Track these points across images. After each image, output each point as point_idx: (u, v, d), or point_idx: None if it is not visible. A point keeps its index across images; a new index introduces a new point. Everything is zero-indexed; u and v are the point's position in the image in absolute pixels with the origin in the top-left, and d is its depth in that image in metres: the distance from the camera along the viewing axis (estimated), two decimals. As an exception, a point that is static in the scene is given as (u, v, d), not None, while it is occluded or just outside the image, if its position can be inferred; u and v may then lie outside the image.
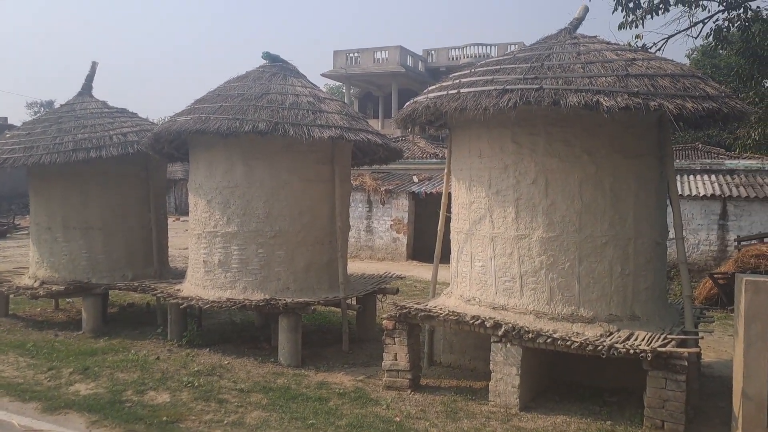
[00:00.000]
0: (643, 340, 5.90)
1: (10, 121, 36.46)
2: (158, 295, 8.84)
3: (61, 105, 10.89)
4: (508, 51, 7.87)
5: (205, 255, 8.51)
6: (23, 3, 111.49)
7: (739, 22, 12.52)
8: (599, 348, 5.76)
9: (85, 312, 9.48)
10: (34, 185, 10.29)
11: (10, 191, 33.04)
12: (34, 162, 9.32)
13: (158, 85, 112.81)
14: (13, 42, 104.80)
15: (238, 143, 8.17)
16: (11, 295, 10.29)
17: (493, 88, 6.20)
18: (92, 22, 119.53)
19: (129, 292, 10.64)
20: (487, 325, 6.33)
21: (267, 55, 9.25)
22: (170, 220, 15.42)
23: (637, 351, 5.61)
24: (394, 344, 6.90)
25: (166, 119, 9.01)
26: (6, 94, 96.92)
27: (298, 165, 8.38)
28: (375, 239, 20.08)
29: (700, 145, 26.47)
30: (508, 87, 6.10)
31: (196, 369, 7.49)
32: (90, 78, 11.06)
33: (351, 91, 42.55)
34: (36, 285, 9.81)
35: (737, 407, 5.51)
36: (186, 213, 9.40)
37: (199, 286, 8.59)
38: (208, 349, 8.36)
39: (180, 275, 9.97)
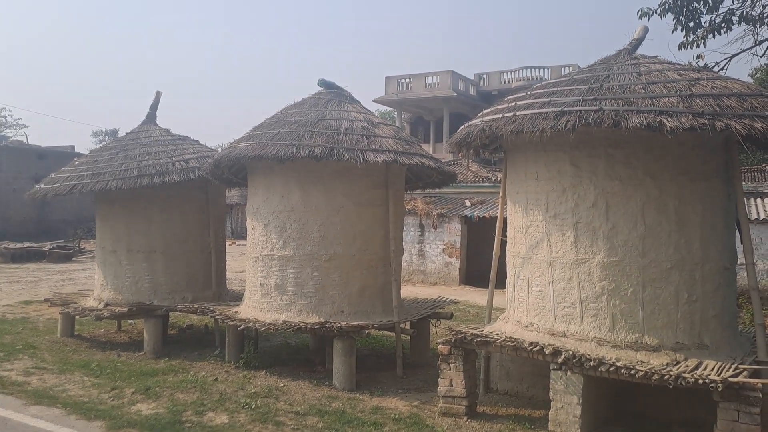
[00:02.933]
0: (712, 369, 5.63)
1: (77, 149, 38.36)
2: (217, 317, 9.01)
3: (127, 133, 11.37)
4: (563, 73, 7.81)
5: (261, 278, 8.65)
6: (90, 37, 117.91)
7: (806, 38, 12.06)
8: (665, 377, 5.52)
9: (146, 333, 9.74)
10: (100, 210, 10.72)
11: (76, 216, 34.62)
12: (101, 188, 9.72)
13: (215, 111, 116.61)
14: (80, 72, 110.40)
15: (294, 168, 8.32)
16: (77, 317, 10.66)
17: (550, 110, 6.13)
18: (151, 50, 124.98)
19: (188, 314, 10.91)
20: (546, 352, 6.17)
21: (323, 82, 9.45)
22: (227, 244, 15.81)
23: (707, 381, 5.34)
24: (450, 370, 6.80)
25: (224, 145, 9.26)
26: (73, 123, 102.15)
27: (353, 189, 8.47)
28: (427, 263, 20.00)
29: None
30: (566, 109, 6.02)
31: (253, 391, 7.57)
32: (154, 107, 11.53)
33: (402, 116, 42.89)
34: (100, 307, 10.16)
35: (819, 444, 5.18)
36: (242, 237, 9.64)
37: (255, 308, 8.71)
38: (264, 371, 8.44)
39: (236, 298, 10.15)
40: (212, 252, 10.51)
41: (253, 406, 6.99)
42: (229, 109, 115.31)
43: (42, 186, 10.44)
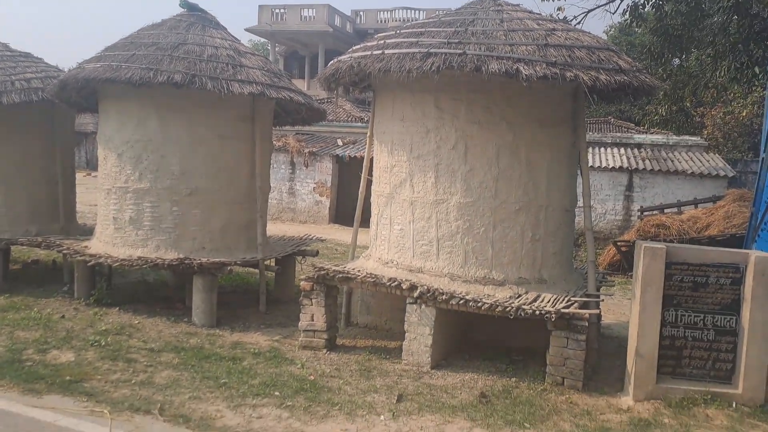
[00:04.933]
0: (548, 302, 6.17)
1: None
2: (64, 251, 8.39)
3: (-46, 46, 9.97)
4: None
5: (115, 211, 8.14)
6: None
7: (653, 0, 13.02)
8: (507, 309, 5.97)
9: (-19, 268, 8.90)
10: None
11: None
12: None
13: (68, 34, 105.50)
14: None
15: (151, 95, 7.78)
16: None
17: (417, 50, 6.17)
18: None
19: (33, 249, 10.09)
20: (404, 287, 6.41)
21: (185, 3, 8.81)
22: (80, 175, 14.62)
23: (543, 312, 5.85)
24: (312, 305, 6.89)
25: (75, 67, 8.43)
26: None
27: (217, 121, 8.10)
28: (298, 202, 19.87)
29: (612, 120, 27.66)
30: (432, 50, 6.09)
31: (103, 328, 7.21)
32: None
33: (276, 49, 41.39)
34: (-75, 239, 9.08)
35: (631, 365, 5.89)
36: (96, 168, 8.92)
37: (108, 243, 8.22)
38: (117, 309, 8.06)
39: (89, 232, 9.48)
40: (59, 182, 9.66)
41: (103, 343, 6.68)
42: (86, 38, 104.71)
43: None
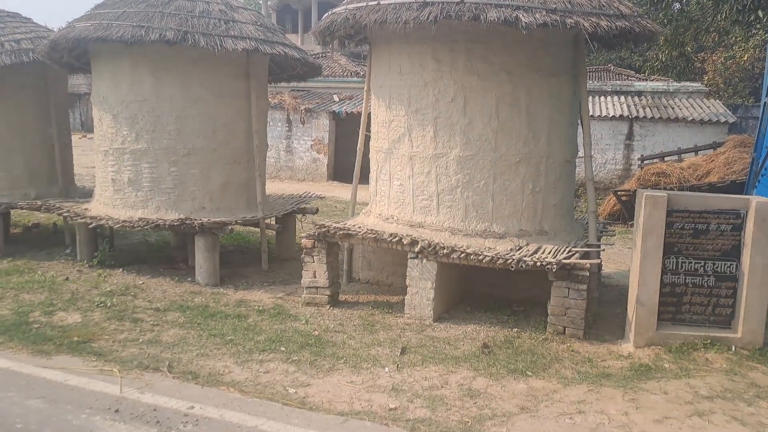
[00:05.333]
0: (549, 253, 6.19)
1: None
2: (64, 214, 8.38)
3: (-60, 6, 9.74)
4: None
5: (113, 173, 8.10)
6: None
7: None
8: (509, 261, 6.00)
9: (-18, 233, 8.92)
10: None
11: None
12: None
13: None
14: None
15: (144, 53, 7.65)
16: None
17: (413, 0, 6.02)
18: None
19: (33, 212, 10.09)
20: (404, 242, 6.43)
21: (174, -42, 8.52)
22: (76, 137, 14.51)
23: (543, 263, 5.88)
24: (313, 262, 6.92)
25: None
26: None
27: (211, 79, 7.98)
28: (295, 159, 19.78)
29: (612, 67, 27.24)
30: (429, 0, 5.93)
31: (108, 289, 7.27)
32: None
33: (269, 3, 40.47)
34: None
35: (632, 312, 5.96)
36: (93, 130, 8.83)
37: (108, 205, 8.21)
38: (121, 270, 8.10)
39: (88, 195, 9.48)
40: (55, 144, 9.58)
41: (109, 304, 6.74)
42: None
43: None
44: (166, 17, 7.45)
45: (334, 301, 7.04)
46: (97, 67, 8.20)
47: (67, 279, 7.63)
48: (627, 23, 5.97)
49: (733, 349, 5.68)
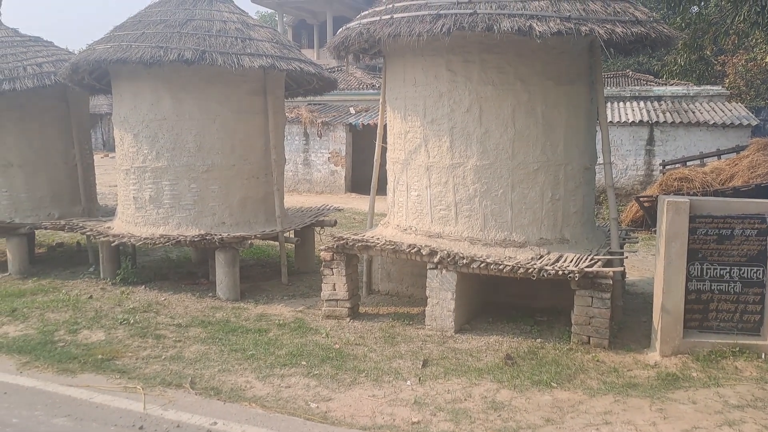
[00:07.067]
0: (571, 261, 6.13)
1: None
2: (88, 233, 8.51)
3: (-34, 35, 9.98)
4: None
5: (135, 191, 8.22)
6: None
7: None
8: (530, 271, 5.95)
9: (9, 253, 9.07)
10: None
11: None
12: (-61, 96, 8.60)
13: (75, 15, 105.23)
14: None
15: (163, 73, 7.78)
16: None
17: (426, 13, 6.05)
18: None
19: (57, 232, 10.25)
20: (423, 253, 6.42)
21: (190, -22, 8.68)
22: (98, 157, 14.75)
23: (566, 272, 5.83)
24: (333, 275, 6.93)
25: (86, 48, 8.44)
26: None
27: (229, 96, 8.09)
28: (313, 172, 19.89)
29: (630, 73, 27.04)
30: (441, 12, 5.96)
31: (131, 306, 7.35)
32: (-4, 3, 10.14)
33: (284, 20, 40.92)
34: (-47, 227, 9.27)
35: (657, 321, 5.87)
36: (114, 149, 8.97)
37: (130, 223, 8.32)
38: (143, 287, 8.20)
39: (111, 213, 9.62)
40: (78, 164, 9.74)
41: (132, 321, 6.81)
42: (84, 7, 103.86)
43: None
44: (184, 37, 7.58)
45: (354, 314, 7.04)
46: (118, 88, 8.35)
47: (90, 297, 7.73)
48: (643, 29, 5.93)
49: (763, 356, 5.56)
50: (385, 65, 7.44)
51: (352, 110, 20.05)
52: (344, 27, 7.03)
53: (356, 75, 26.53)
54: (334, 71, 21.99)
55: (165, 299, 7.71)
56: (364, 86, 25.23)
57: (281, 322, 6.86)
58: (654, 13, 6.53)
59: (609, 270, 5.96)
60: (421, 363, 5.64)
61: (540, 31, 5.61)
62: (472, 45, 6.36)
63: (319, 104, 20.77)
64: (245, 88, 8.20)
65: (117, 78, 8.34)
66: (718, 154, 13.79)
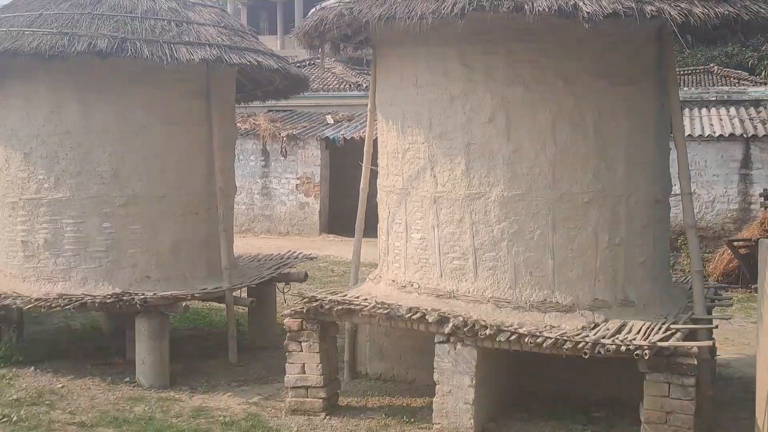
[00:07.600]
0: (638, 332, 6.13)
1: None
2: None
3: None
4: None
5: (23, 233, 8.26)
6: None
7: None
8: (580, 345, 5.93)
9: None
10: None
11: None
12: None
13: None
14: None
15: (68, 70, 7.90)
16: None
17: (423, -9, 6.16)
18: None
19: None
20: (430, 320, 6.40)
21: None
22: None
23: (631, 347, 5.81)
24: (302, 351, 6.91)
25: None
26: None
27: (159, 101, 8.24)
28: (275, 205, 20.00)
29: (716, 68, 27.51)
30: (455, -12, 6.08)
31: (14, 397, 7.29)
32: None
33: (238, -4, 41.70)
34: None
35: (763, 418, 5.82)
36: None
37: (16, 277, 8.35)
38: (33, 368, 8.15)
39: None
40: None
41: (15, 418, 6.72)
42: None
43: None
44: (98, 20, 7.74)
45: (331, 407, 7.00)
46: (4, 89, 8.45)
47: (-44, 384, 7.68)
48: (731, 9, 6.05)
49: None
50: (375, 59, 7.57)
51: (329, 119, 20.29)
52: (319, 6, 7.16)
53: (335, 71, 26.87)
54: (304, 66, 22.29)
55: (63, 386, 7.66)
56: (347, 86, 25.54)
57: (227, 419, 6.81)
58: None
59: (692, 344, 5.96)
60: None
61: (588, 12, 5.71)
62: (496, 31, 6.47)
63: (285, 111, 21.02)
64: (181, 90, 8.34)
65: (4, 76, 8.43)
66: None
